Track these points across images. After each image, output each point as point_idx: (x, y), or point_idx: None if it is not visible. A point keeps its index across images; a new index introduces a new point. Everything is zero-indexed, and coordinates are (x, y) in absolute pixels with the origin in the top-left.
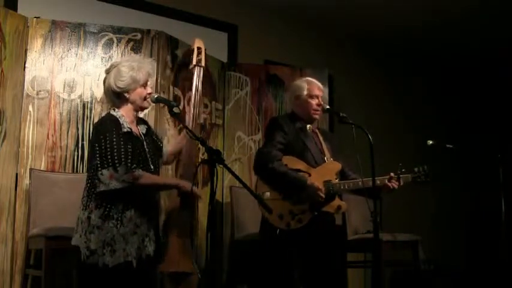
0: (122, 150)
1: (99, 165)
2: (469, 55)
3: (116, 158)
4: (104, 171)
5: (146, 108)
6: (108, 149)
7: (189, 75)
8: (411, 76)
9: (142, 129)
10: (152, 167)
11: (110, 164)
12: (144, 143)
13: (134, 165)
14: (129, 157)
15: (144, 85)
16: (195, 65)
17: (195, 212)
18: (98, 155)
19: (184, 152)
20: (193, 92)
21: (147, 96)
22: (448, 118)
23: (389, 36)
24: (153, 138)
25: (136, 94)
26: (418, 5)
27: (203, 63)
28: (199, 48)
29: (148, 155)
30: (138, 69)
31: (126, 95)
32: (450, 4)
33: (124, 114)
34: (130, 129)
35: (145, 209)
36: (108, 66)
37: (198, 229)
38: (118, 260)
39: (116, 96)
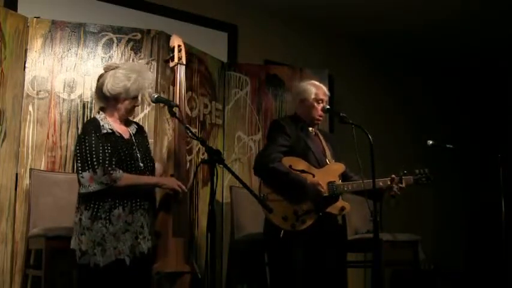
0: (100, 152)
1: (79, 168)
2: (468, 55)
3: (94, 160)
4: (85, 174)
5: (130, 117)
6: (88, 152)
7: (172, 74)
8: (411, 76)
9: (132, 129)
10: (142, 165)
11: (90, 166)
12: (134, 141)
13: (112, 166)
14: (107, 158)
15: (134, 98)
16: (177, 63)
17: (191, 210)
18: (79, 158)
19: (176, 152)
20: (178, 91)
21: (133, 109)
22: (448, 118)
23: (389, 36)
24: (144, 136)
25: (124, 105)
26: (418, 4)
27: (184, 61)
28: (179, 46)
29: (138, 153)
30: (134, 81)
31: (113, 102)
32: (450, 4)
33: (107, 116)
34: (112, 130)
35: (136, 207)
36: (108, 64)
37: (197, 229)
38: (109, 258)
39: (103, 97)
